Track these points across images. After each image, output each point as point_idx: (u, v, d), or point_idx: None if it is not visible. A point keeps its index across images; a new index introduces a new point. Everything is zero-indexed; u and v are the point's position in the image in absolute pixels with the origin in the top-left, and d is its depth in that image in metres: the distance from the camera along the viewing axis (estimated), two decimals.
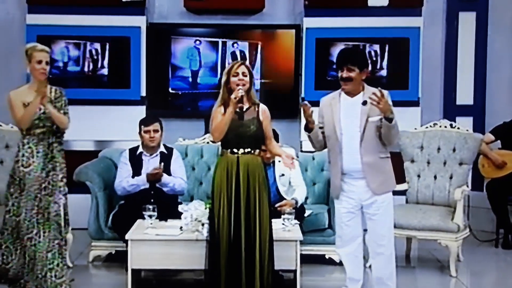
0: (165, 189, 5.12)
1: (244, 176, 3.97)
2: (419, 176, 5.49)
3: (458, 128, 5.52)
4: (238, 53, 6.72)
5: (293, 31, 6.72)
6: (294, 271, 4.33)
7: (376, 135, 3.98)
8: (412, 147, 5.53)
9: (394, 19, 6.52)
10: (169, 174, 5.15)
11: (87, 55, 6.48)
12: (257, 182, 3.99)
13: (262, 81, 6.66)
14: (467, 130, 5.52)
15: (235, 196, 3.96)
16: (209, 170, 5.61)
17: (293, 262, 4.29)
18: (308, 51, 6.60)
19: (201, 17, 6.90)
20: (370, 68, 4.08)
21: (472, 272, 5.29)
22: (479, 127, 6.48)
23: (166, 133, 5.35)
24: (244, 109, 4.02)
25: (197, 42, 6.73)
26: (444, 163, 5.46)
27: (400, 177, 5.15)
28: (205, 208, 4.37)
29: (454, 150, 5.44)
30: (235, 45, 6.70)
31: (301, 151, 6.26)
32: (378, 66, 6.59)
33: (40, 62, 4.17)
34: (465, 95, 6.77)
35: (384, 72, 6.59)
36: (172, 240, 4.34)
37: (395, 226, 4.37)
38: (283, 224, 4.43)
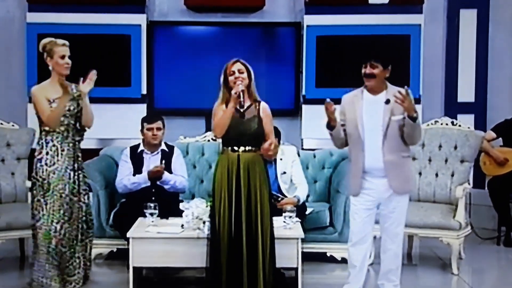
0: (166, 187, 5.12)
1: (244, 174, 3.97)
2: (420, 173, 5.48)
3: (460, 125, 5.51)
4: None
5: (294, 28, 6.72)
6: (296, 269, 4.32)
7: (398, 134, 3.95)
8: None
9: (395, 17, 6.51)
10: (170, 172, 5.14)
11: (87, 53, 6.50)
12: (257, 180, 3.98)
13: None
14: (468, 128, 5.51)
15: (235, 194, 3.95)
16: (210, 168, 5.60)
17: (294, 260, 4.28)
18: (308, 49, 6.59)
19: (201, 15, 6.89)
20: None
21: (474, 270, 5.28)
22: (480, 124, 6.48)
23: (167, 131, 5.34)
24: (245, 107, 4.01)
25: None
26: (446, 161, 5.45)
27: None
28: (206, 206, 4.36)
29: (455, 147, 5.43)
30: None
31: (302, 149, 6.25)
32: None
33: (63, 57, 4.09)
34: (466, 93, 6.77)
35: None
36: (173, 238, 4.33)
37: None
38: (284, 222, 4.43)
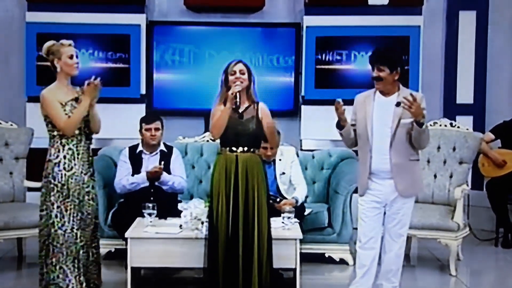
0: (164, 187, 5.11)
1: (242, 174, 3.97)
2: None
3: (458, 127, 5.51)
4: None
5: (293, 29, 6.72)
6: (294, 270, 4.32)
7: (406, 138, 3.93)
8: None
9: (394, 18, 6.51)
10: (168, 172, 5.14)
11: (87, 53, 6.49)
12: (255, 180, 3.98)
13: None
14: (467, 129, 5.52)
15: (233, 194, 3.95)
16: (209, 168, 5.60)
17: (292, 261, 4.28)
18: (308, 50, 6.59)
19: (201, 15, 6.89)
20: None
21: (472, 271, 5.29)
22: (479, 126, 6.48)
23: (166, 131, 5.34)
24: (244, 108, 4.01)
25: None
26: (444, 162, 5.45)
27: None
28: (205, 207, 4.36)
29: (454, 149, 5.44)
30: None
31: (301, 149, 6.26)
32: None
33: (71, 57, 4.02)
34: (465, 94, 6.77)
35: None
36: (171, 238, 4.33)
37: None
38: (283, 222, 4.43)
